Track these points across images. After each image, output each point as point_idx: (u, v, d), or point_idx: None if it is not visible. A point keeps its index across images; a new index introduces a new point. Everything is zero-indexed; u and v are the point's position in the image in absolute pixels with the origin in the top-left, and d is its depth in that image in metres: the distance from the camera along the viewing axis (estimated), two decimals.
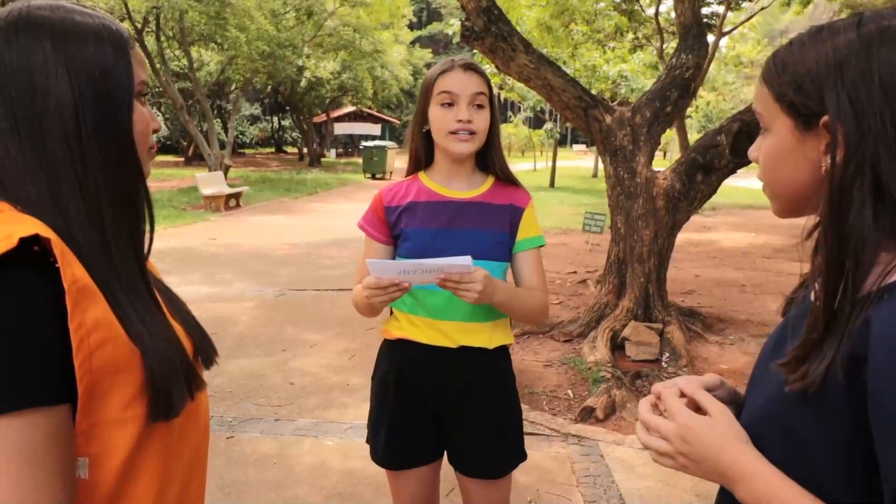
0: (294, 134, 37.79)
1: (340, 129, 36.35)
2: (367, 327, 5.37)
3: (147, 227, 0.92)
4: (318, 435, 3.45)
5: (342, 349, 4.83)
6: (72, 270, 0.74)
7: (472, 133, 1.59)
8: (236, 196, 13.80)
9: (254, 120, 38.97)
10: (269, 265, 7.78)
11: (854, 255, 0.74)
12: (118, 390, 0.79)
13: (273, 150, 39.44)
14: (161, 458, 0.87)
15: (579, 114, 5.16)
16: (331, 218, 12.28)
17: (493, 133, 1.66)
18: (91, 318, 0.75)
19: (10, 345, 0.69)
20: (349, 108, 35.36)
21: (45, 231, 0.73)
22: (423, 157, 1.72)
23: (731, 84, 28.79)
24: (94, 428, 0.78)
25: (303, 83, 25.11)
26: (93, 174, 0.82)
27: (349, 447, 3.32)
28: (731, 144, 4.91)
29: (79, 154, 0.82)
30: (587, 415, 3.65)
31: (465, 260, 1.40)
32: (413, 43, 36.96)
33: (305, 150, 30.00)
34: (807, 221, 0.85)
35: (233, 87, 23.59)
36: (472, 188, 1.69)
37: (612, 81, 18.78)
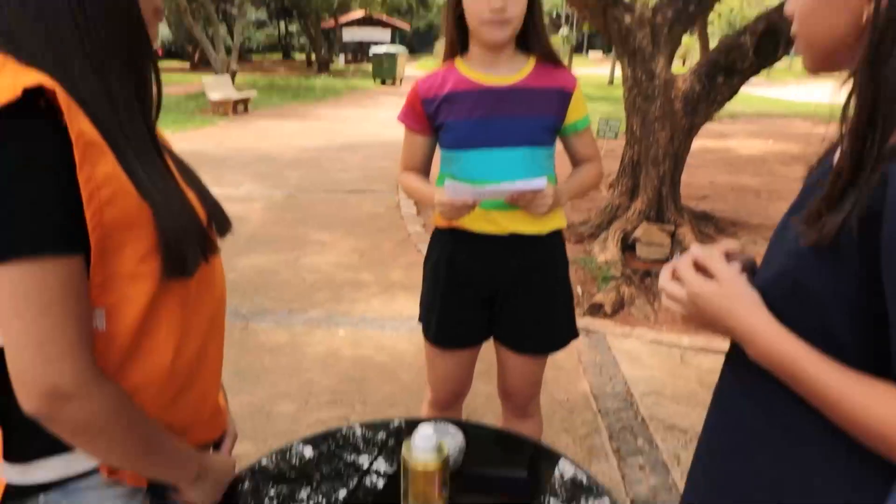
0: (302, 40, 36.74)
1: (349, 34, 35.28)
2: (377, 228, 5.38)
3: (154, 92, 0.89)
4: (329, 326, 3.51)
5: (352, 248, 4.85)
6: (78, 123, 0.72)
7: (506, 19, 1.49)
8: (244, 101, 13.57)
9: (260, 25, 37.82)
10: (278, 168, 7.73)
11: (886, 104, 0.71)
12: (131, 245, 0.80)
13: (280, 56, 38.50)
14: (178, 317, 0.87)
15: (598, 13, 4.93)
16: (340, 123, 12.10)
17: (533, 12, 1.55)
18: (100, 172, 0.74)
19: (22, 192, 0.69)
20: (358, 13, 34.19)
21: (49, 82, 0.71)
22: (458, 42, 1.62)
23: None
24: (109, 280, 0.79)
25: None
26: (95, 28, 0.79)
27: (359, 337, 3.39)
28: (756, 45, 4.70)
29: (78, 5, 0.77)
30: (596, 310, 3.68)
31: (541, 182, 1.46)
32: None
33: (313, 56, 29.22)
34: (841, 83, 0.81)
35: None
36: (513, 72, 1.60)
37: None
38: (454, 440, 1.17)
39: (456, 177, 1.62)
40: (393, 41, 35.94)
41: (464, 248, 1.67)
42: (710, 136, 9.71)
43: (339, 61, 33.73)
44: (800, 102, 17.51)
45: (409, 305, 3.77)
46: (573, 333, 1.80)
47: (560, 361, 3.09)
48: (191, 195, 0.92)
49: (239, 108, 13.40)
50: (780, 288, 0.82)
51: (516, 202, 1.52)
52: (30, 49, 0.75)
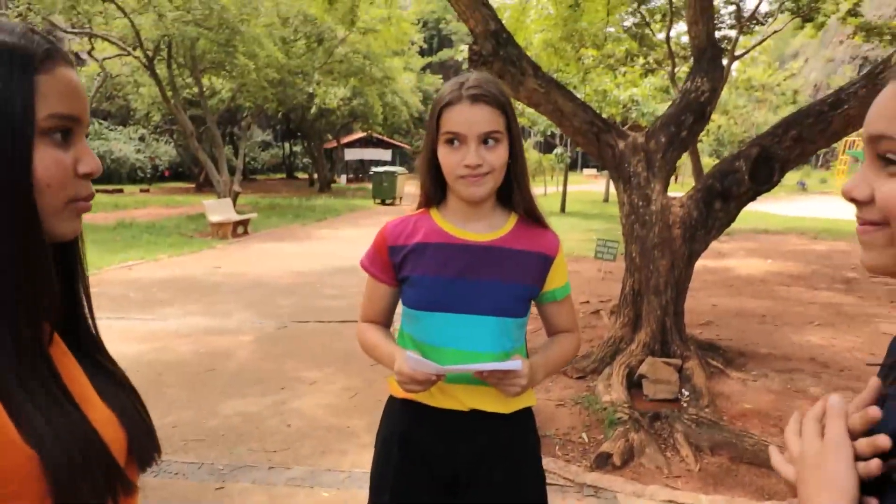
0: (305, 159, 37.90)
1: (351, 154, 36.47)
2: (370, 363, 5.14)
3: (81, 292, 0.79)
4: (313, 485, 3.21)
5: (342, 387, 4.60)
6: None
7: (483, 174, 1.37)
8: (244, 223, 13.69)
9: (265, 146, 39.15)
10: (271, 295, 7.59)
11: None
12: (14, 500, 0.65)
13: (284, 175, 39.57)
14: None
15: (591, 139, 4.98)
16: (338, 244, 12.12)
17: (516, 164, 1.43)
18: None
19: None
20: (360, 134, 35.50)
21: None
22: (433, 192, 1.49)
23: (743, 107, 28.62)
24: None
25: (313, 110, 25.18)
26: None
27: (347, 499, 3.08)
28: (751, 170, 4.69)
29: None
30: (603, 461, 3.39)
31: (516, 364, 1.31)
32: (424, 69, 37.17)
33: (316, 175, 30.03)
34: None
35: (244, 114, 23.70)
36: (491, 230, 1.47)
37: (623, 106, 18.69)
38: None
39: (416, 338, 1.46)
40: (393, 160, 37.10)
41: (420, 422, 1.48)
42: (708, 255, 9.65)
43: (342, 180, 34.65)
44: (793, 217, 17.71)
45: None
46: None
47: None
48: (107, 417, 0.76)
49: (239, 229, 13.50)
50: None
51: (486, 379, 1.35)
52: None
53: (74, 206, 0.75)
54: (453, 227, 1.46)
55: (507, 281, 1.44)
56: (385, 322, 1.60)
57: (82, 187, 0.75)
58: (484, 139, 1.36)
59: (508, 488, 1.48)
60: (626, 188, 4.99)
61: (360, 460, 3.48)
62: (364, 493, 3.19)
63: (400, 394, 1.50)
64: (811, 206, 21.92)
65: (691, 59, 5.65)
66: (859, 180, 0.68)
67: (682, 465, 3.45)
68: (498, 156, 1.37)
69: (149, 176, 29.80)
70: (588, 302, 7.24)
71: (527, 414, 1.53)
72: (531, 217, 1.49)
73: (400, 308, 1.56)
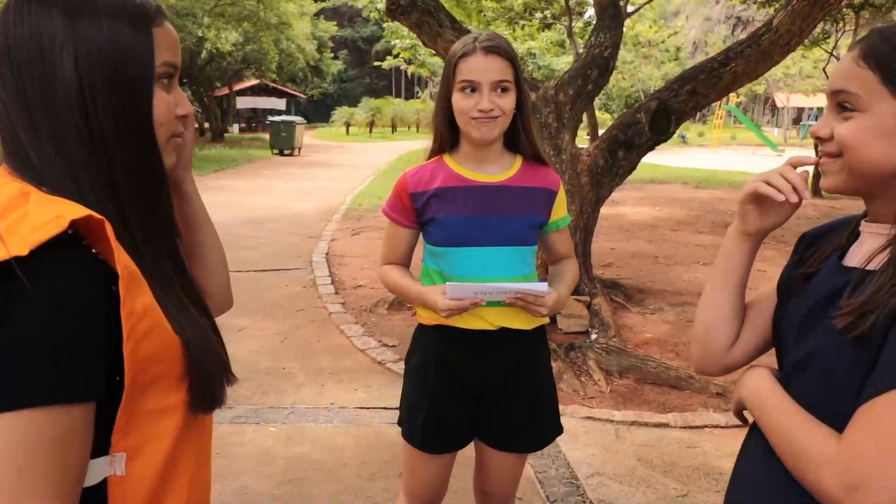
0: (194, 107, 35.99)
1: (243, 102, 35.01)
2: (296, 308, 5.24)
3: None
4: (259, 422, 3.34)
5: (272, 333, 4.69)
6: (122, 255, 0.70)
7: (494, 118, 1.54)
8: None
9: None
10: None
11: None
12: (160, 380, 0.77)
13: None
14: (194, 453, 0.84)
15: None
16: (241, 196, 11.82)
17: (522, 113, 1.61)
18: (140, 305, 0.72)
19: (51, 334, 0.65)
20: (252, 82, 34.06)
21: (96, 214, 0.69)
22: (447, 138, 1.66)
23: (631, 63, 29.78)
24: (134, 419, 0.75)
25: (203, 55, 23.90)
26: (108, 161, 0.77)
27: (292, 432, 3.24)
28: (651, 122, 5.10)
29: (89, 140, 0.76)
30: None
31: (543, 286, 1.52)
32: (317, 15, 35.90)
33: (207, 124, 28.67)
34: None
35: None
36: (502, 171, 1.65)
37: (521, 59, 19.06)
38: None
39: (443, 272, 1.65)
40: (288, 110, 35.96)
41: (453, 345, 1.67)
42: (604, 203, 10.28)
43: (234, 129, 33.24)
44: (676, 167, 18.95)
45: (340, 393, 3.66)
46: (559, 429, 1.82)
47: None
48: (209, 328, 0.90)
49: None
50: (811, 368, 0.92)
51: (514, 304, 1.55)
52: (52, 182, 0.74)
53: (174, 141, 0.88)
54: (468, 171, 1.64)
55: (520, 213, 1.63)
56: (406, 263, 1.76)
57: (179, 126, 0.87)
58: (496, 87, 1.52)
59: (530, 396, 1.72)
60: (539, 138, 5.26)
61: (301, 398, 3.63)
62: (309, 427, 3.38)
63: (430, 321, 1.68)
64: (692, 157, 23.48)
65: (586, 14, 5.95)
66: (823, 123, 0.93)
67: (596, 387, 3.85)
68: (508, 102, 1.54)
69: None
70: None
71: (542, 330, 1.75)
72: (535, 158, 1.68)
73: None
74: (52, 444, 0.65)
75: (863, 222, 0.96)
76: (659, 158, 20.40)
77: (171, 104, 0.84)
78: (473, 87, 1.53)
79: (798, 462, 0.86)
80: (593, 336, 4.44)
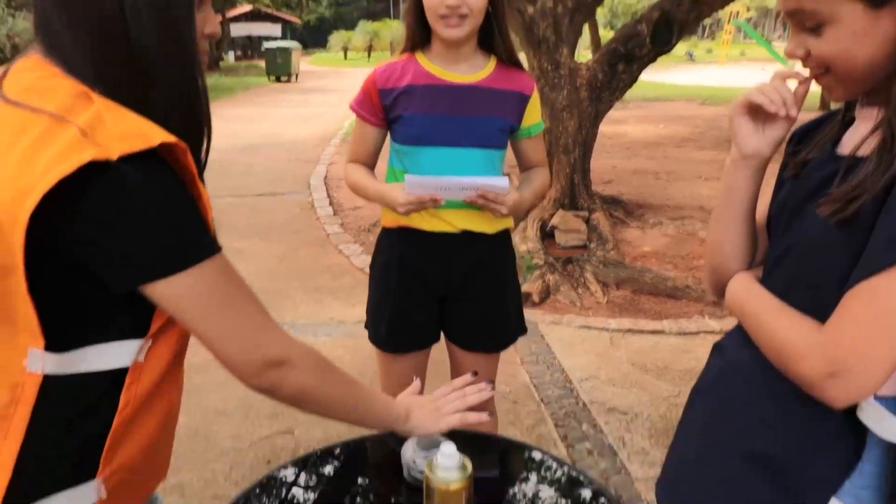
0: None
1: (237, 30, 34.10)
2: (293, 231, 5.24)
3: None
4: None
5: (270, 254, 4.71)
6: (189, 161, 0.77)
7: (462, 16, 1.47)
8: None
9: None
10: None
11: None
12: None
13: None
14: (183, 355, 0.91)
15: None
16: (239, 123, 11.66)
17: (496, 12, 1.54)
18: (206, 197, 0.81)
19: (188, 206, 0.77)
20: (246, 8, 33.05)
21: (175, 139, 0.75)
22: (419, 35, 1.59)
23: None
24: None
25: None
26: (151, 77, 0.78)
27: None
28: (652, 33, 4.94)
29: (127, 49, 0.77)
30: (524, 300, 3.75)
31: (503, 181, 1.48)
32: None
33: None
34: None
35: None
36: (473, 71, 1.59)
37: None
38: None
39: (408, 172, 1.60)
40: (284, 36, 35.03)
41: (415, 247, 1.66)
42: (605, 122, 10.05)
43: (230, 57, 32.51)
44: (681, 85, 18.52)
45: (339, 309, 3.71)
46: (521, 329, 1.84)
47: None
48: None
49: None
50: (791, 260, 0.91)
51: (475, 202, 1.52)
52: (110, 83, 0.76)
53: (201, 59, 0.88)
54: (439, 70, 1.58)
55: (489, 115, 1.59)
56: (371, 163, 1.73)
57: (205, 44, 0.88)
58: None
59: (493, 297, 1.72)
60: (536, 53, 5.11)
61: (300, 314, 3.68)
62: (309, 341, 3.41)
63: (393, 223, 1.66)
64: (699, 74, 22.89)
65: None
66: (794, 44, 0.87)
67: (592, 298, 3.88)
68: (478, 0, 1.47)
69: (9, 57, 26.75)
70: (508, 174, 7.52)
71: (506, 235, 1.73)
72: (510, 61, 1.62)
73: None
74: (240, 278, 0.82)
75: (857, 107, 0.91)
76: (664, 76, 19.96)
77: (200, 23, 0.83)
78: None
79: (781, 356, 0.86)
80: (591, 249, 4.44)
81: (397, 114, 1.59)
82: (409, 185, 1.48)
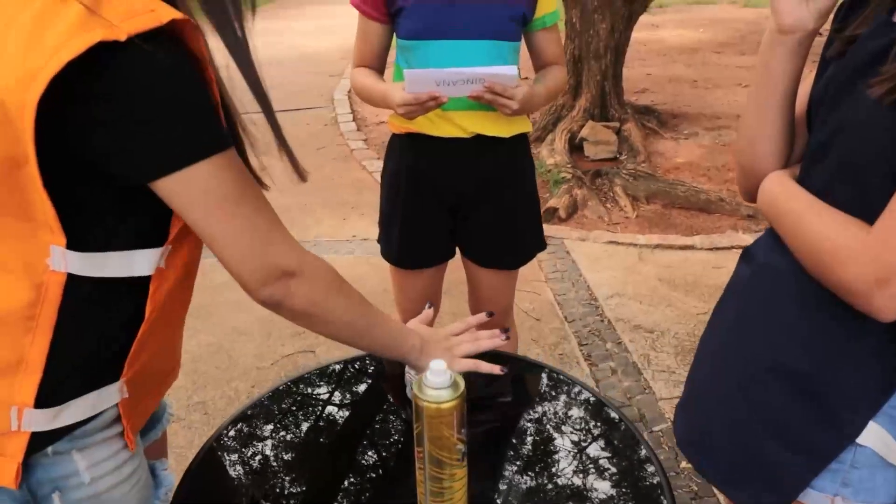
0: None
1: None
2: (316, 146, 5.16)
3: None
4: None
5: (292, 170, 4.63)
6: (201, 45, 0.73)
7: None
8: None
9: None
10: None
11: None
12: None
13: None
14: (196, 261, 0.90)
15: None
16: (263, 37, 11.15)
17: None
18: (215, 89, 0.77)
19: (200, 97, 0.72)
20: None
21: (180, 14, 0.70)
22: None
23: None
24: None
25: None
26: None
27: None
28: None
29: None
30: (550, 215, 3.66)
31: (512, 70, 1.35)
32: None
33: None
34: None
35: None
36: None
37: None
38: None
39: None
40: None
41: (425, 153, 1.56)
42: (641, 28, 9.53)
43: None
44: None
45: (363, 225, 3.66)
46: (540, 245, 1.75)
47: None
48: None
49: None
50: (835, 150, 0.79)
51: (481, 98, 1.39)
52: None
53: None
54: None
55: (498, 2, 1.44)
56: (378, 66, 1.61)
57: None
58: None
59: (507, 212, 1.62)
60: None
61: (323, 231, 3.65)
62: (331, 258, 3.40)
63: (402, 128, 1.56)
64: None
65: None
66: None
67: (621, 213, 3.77)
68: None
69: None
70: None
71: (523, 139, 1.62)
72: None
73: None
74: (251, 180, 0.80)
75: None
76: None
77: None
78: None
79: (820, 261, 0.76)
80: (621, 161, 4.28)
81: (400, 5, 1.46)
82: (408, 82, 1.37)
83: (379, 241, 1.73)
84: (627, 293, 2.90)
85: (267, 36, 11.24)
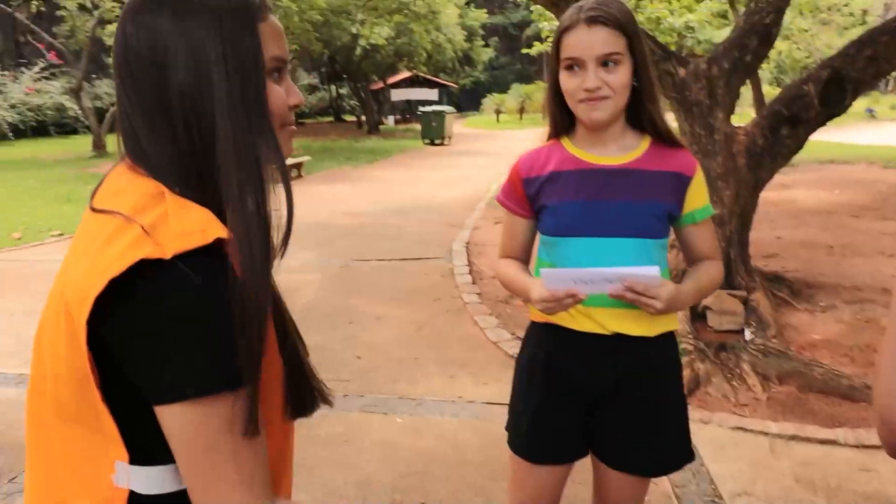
0: (352, 102, 37.85)
1: (397, 95, 36.17)
2: (434, 298, 5.26)
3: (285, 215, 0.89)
4: (386, 412, 3.36)
5: (408, 321, 4.72)
6: None
7: (603, 97, 1.36)
8: (297, 166, 13.87)
9: (312, 89, 39.13)
10: (331, 236, 7.75)
11: None
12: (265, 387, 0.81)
13: (332, 118, 39.67)
14: (277, 447, 0.89)
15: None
16: (392, 186, 12.20)
17: (643, 86, 1.41)
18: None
19: (215, 325, 0.71)
20: (405, 74, 35.09)
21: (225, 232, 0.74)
22: (561, 121, 1.50)
23: (807, 31, 27.02)
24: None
25: (358, 51, 24.96)
26: (226, 158, 0.77)
27: (419, 424, 3.22)
28: (821, 94, 4.50)
29: (209, 141, 0.77)
30: None
31: (653, 271, 1.30)
32: (468, 3, 36.17)
33: (364, 117, 29.99)
34: None
35: (290, 58, 23.67)
36: (623, 152, 1.46)
37: (678, 33, 17.89)
38: None
39: (555, 266, 1.48)
40: (440, 100, 36.66)
41: (563, 346, 1.51)
42: (770, 187, 9.28)
43: (389, 121, 34.51)
44: (863, 146, 16.93)
45: (469, 387, 3.59)
46: (687, 456, 1.59)
47: None
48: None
49: (293, 173, 13.70)
50: None
51: (622, 297, 1.33)
52: (178, 181, 0.77)
53: (287, 130, 0.89)
54: (585, 153, 1.47)
55: (645, 199, 1.43)
56: (523, 257, 1.63)
57: (290, 115, 0.88)
58: (603, 61, 1.35)
59: (649, 414, 1.52)
60: (688, 117, 4.84)
61: (430, 389, 3.61)
62: (435, 420, 3.34)
63: (541, 318, 1.54)
64: (881, 133, 20.84)
65: None
66: None
67: (750, 393, 3.47)
68: (619, 77, 1.36)
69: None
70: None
71: (669, 338, 1.53)
72: (664, 139, 1.47)
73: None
74: (228, 423, 0.72)
75: None
76: (841, 136, 18.38)
77: (282, 95, 0.85)
78: (578, 64, 1.36)
79: None
80: (748, 336, 4.01)
81: (542, 203, 1.49)
82: (546, 280, 1.35)
83: (507, 428, 1.67)
84: (757, 492, 2.59)
85: (397, 185, 12.05)
